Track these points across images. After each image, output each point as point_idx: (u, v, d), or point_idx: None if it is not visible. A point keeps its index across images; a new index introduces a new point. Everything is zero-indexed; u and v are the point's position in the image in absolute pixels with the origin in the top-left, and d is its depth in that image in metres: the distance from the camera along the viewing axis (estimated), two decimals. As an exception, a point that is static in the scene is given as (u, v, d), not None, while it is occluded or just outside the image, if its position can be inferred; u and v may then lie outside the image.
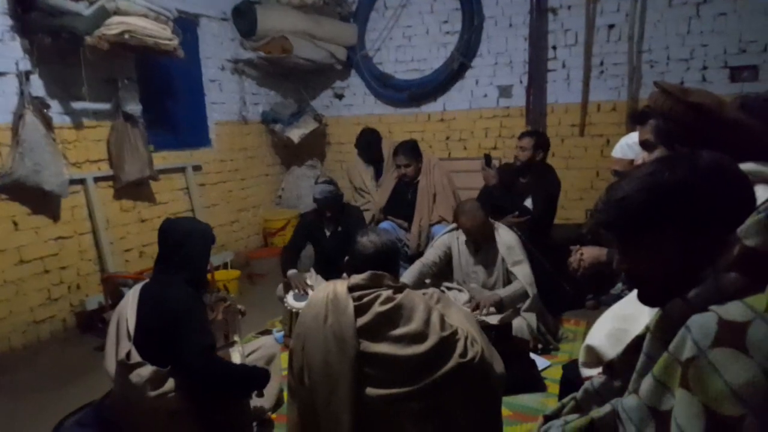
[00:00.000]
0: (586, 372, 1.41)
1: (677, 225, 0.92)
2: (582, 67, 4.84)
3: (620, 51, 4.71)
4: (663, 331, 0.91)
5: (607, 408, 0.99)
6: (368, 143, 4.69)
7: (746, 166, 1.27)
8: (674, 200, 0.92)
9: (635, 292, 1.45)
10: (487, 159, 3.95)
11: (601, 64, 4.81)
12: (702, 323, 0.80)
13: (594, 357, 1.41)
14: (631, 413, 0.90)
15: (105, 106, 3.85)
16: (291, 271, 3.36)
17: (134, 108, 3.89)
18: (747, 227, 0.84)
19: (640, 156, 1.78)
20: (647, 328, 0.96)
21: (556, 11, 4.89)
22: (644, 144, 1.58)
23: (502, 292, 2.99)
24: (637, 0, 4.55)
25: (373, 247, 1.84)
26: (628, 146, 1.97)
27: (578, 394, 1.13)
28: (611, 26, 4.73)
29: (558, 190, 3.87)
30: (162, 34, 3.67)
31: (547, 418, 1.13)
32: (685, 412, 0.78)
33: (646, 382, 0.89)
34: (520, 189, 3.85)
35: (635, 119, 1.56)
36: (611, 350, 1.29)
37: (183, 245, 2.06)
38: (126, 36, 3.44)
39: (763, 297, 0.78)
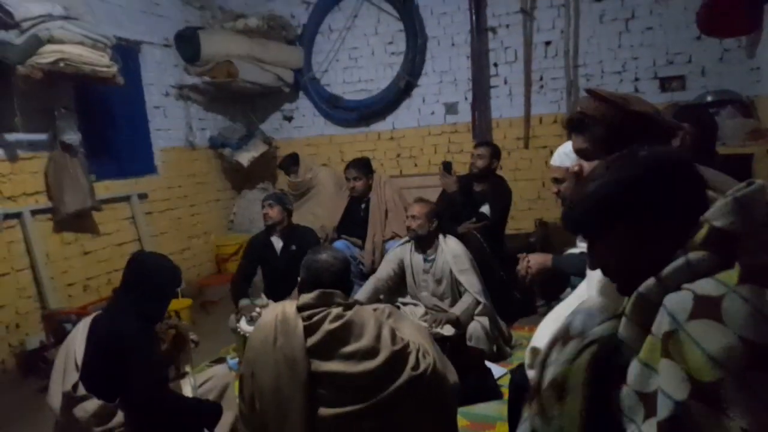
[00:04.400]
0: (532, 374, 1.43)
1: (630, 219, 0.97)
2: (523, 82, 5.01)
3: (557, 66, 4.91)
4: (638, 312, 0.93)
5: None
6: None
7: None
8: (629, 195, 0.97)
9: (576, 293, 1.49)
10: (447, 166, 4.02)
11: (541, 78, 5.00)
12: (678, 300, 0.85)
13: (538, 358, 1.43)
14: (621, 403, 0.93)
15: (41, 136, 3.70)
16: (242, 302, 3.29)
17: (72, 137, 3.76)
18: (715, 210, 0.89)
19: (575, 163, 1.85)
20: (622, 312, 0.98)
21: (495, 30, 5.06)
22: (579, 152, 1.63)
23: (457, 309, 3.03)
24: (570, 17, 4.77)
25: (323, 265, 1.84)
26: (565, 155, 2.04)
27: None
28: (548, 43, 4.93)
29: (511, 198, 4.03)
30: (100, 61, 3.59)
31: None
32: (671, 380, 0.81)
33: (633, 369, 0.92)
34: (476, 196, 3.94)
35: (570, 127, 1.60)
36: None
37: (150, 280, 2.04)
38: (61, 64, 3.34)
39: (733, 273, 0.83)
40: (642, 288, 0.93)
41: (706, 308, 0.81)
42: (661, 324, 0.85)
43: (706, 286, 0.83)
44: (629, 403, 0.91)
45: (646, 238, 0.96)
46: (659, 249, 0.93)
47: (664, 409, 0.81)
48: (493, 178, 3.98)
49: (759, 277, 0.81)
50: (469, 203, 3.89)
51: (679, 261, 0.89)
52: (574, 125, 1.56)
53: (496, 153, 3.98)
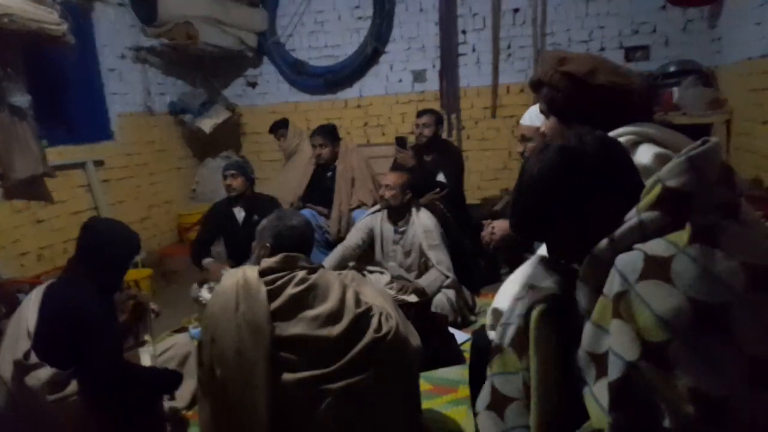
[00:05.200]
0: (493, 334, 1.44)
1: (565, 205, 0.99)
2: (491, 50, 4.97)
3: (525, 34, 4.88)
4: (591, 273, 0.94)
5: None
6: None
7: (628, 129, 1.33)
8: (548, 186, 1.00)
9: (537, 255, 1.50)
10: (401, 141, 3.98)
11: (509, 47, 4.97)
12: (628, 260, 0.85)
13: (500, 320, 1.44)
14: (577, 364, 0.93)
15: (-14, 98, 3.49)
16: (207, 260, 3.23)
17: (21, 100, 3.54)
18: (668, 170, 0.89)
19: (543, 123, 1.84)
20: (577, 274, 0.99)
21: (463, -5, 4.98)
22: (542, 112, 1.62)
23: (423, 281, 3.04)
24: (538, -16, 4.73)
25: (287, 228, 1.80)
26: (536, 115, 2.04)
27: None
28: (516, 10, 4.88)
29: (462, 160, 4.05)
30: (47, 18, 3.37)
31: None
32: (622, 340, 0.82)
33: (587, 331, 0.92)
34: (428, 166, 3.92)
35: (532, 88, 1.59)
36: (516, 311, 1.33)
37: (103, 249, 1.96)
38: (5, 20, 3.13)
39: (684, 233, 0.83)
40: (595, 249, 0.93)
41: (655, 269, 0.81)
42: (612, 285, 0.86)
43: (656, 246, 0.84)
44: (582, 364, 0.92)
45: (588, 218, 0.97)
46: (605, 224, 0.93)
47: (615, 370, 0.81)
48: (440, 145, 4.00)
49: (708, 237, 0.81)
50: (425, 174, 3.86)
51: (632, 221, 0.89)
52: (532, 87, 1.55)
53: (440, 119, 4.01)
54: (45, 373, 1.77)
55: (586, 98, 1.36)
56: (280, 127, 4.88)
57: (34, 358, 1.80)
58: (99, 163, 4.42)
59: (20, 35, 3.36)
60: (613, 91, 1.34)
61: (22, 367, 1.78)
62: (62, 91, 4.19)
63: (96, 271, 1.94)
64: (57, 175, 3.91)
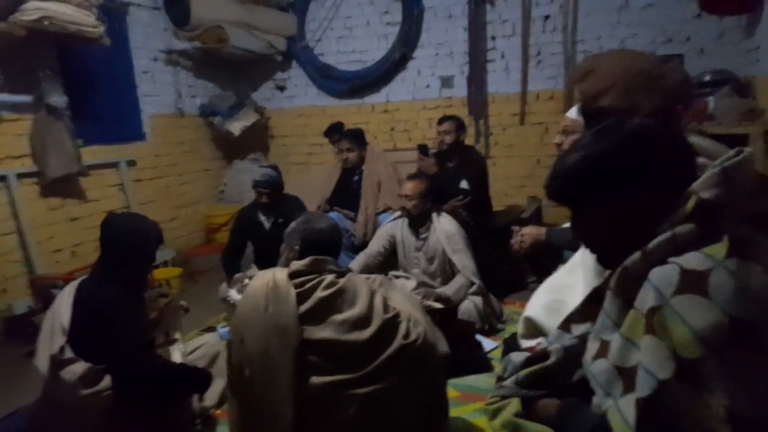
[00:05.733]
0: (525, 343, 1.43)
1: (615, 189, 0.95)
2: (520, 57, 4.94)
3: (555, 41, 4.83)
4: (623, 286, 0.92)
5: (555, 357, 1.01)
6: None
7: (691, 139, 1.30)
8: (606, 166, 0.95)
9: (569, 264, 1.48)
10: (423, 149, 3.95)
11: (538, 54, 4.93)
12: (663, 274, 0.82)
13: (532, 328, 1.42)
14: (599, 377, 0.92)
15: (25, 98, 3.60)
16: (237, 276, 3.28)
17: (58, 100, 3.66)
18: (702, 181, 0.87)
19: None
20: (605, 283, 0.97)
21: (493, 2, 4.96)
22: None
23: (448, 290, 3.01)
24: (570, -9, 4.68)
25: (315, 231, 1.81)
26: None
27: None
28: (546, 17, 4.84)
29: (485, 165, 3.99)
30: (85, 20, 3.47)
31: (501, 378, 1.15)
32: (655, 357, 0.79)
33: (615, 343, 0.90)
34: (450, 172, 3.88)
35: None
36: (548, 320, 1.31)
37: (123, 243, 1.98)
38: (45, 22, 3.23)
39: (720, 246, 0.80)
40: (627, 262, 0.91)
41: (692, 283, 0.78)
42: (645, 299, 0.83)
43: (692, 260, 0.81)
44: (608, 377, 0.90)
45: (630, 211, 0.93)
46: (643, 222, 0.91)
47: (645, 387, 0.79)
48: (462, 151, 3.93)
49: (746, 250, 0.79)
50: (447, 181, 3.82)
51: (665, 234, 0.87)
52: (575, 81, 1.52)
53: (461, 126, 3.90)
54: (80, 367, 1.81)
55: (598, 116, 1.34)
56: (335, 131, 4.80)
57: (69, 353, 1.84)
58: (131, 163, 4.52)
59: (58, 37, 3.46)
60: (617, 113, 1.31)
61: (58, 362, 1.82)
62: (97, 92, 4.30)
63: (121, 266, 1.96)
64: (91, 174, 4.02)
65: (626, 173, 0.94)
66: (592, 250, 1.04)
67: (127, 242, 1.99)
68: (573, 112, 2.04)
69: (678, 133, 0.99)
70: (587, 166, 0.97)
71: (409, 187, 3.10)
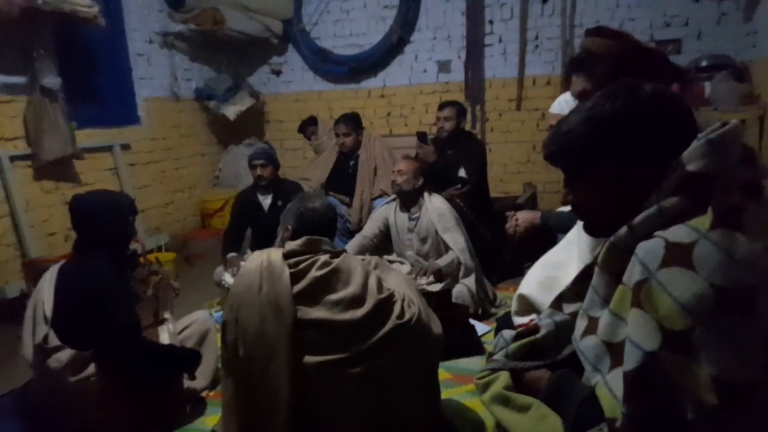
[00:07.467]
0: (518, 320, 1.43)
1: (619, 154, 0.93)
2: (518, 41, 4.90)
3: (554, 25, 4.80)
4: (611, 261, 0.92)
5: (545, 330, 1.01)
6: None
7: None
8: (615, 129, 0.93)
9: (564, 242, 1.48)
10: (422, 136, 3.90)
11: (536, 38, 4.90)
12: (649, 248, 0.82)
13: (526, 305, 1.43)
14: (588, 352, 0.92)
15: (19, 79, 3.56)
16: (230, 255, 3.29)
17: (52, 81, 3.62)
18: (689, 152, 0.86)
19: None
20: (594, 260, 0.96)
21: (491, -16, 4.91)
22: (580, 96, 1.59)
23: (441, 261, 3.02)
24: (568, -26, 4.64)
25: (310, 212, 1.81)
26: (565, 102, 2.01)
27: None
28: (545, 1, 4.80)
29: (485, 153, 3.94)
30: (80, 0, 3.43)
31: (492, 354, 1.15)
32: (641, 329, 0.80)
33: (604, 319, 0.91)
34: (450, 160, 3.82)
35: (573, 67, 1.56)
36: (542, 297, 1.31)
37: (95, 220, 1.93)
38: (39, 1, 3.19)
39: (705, 219, 0.81)
40: (614, 237, 0.91)
41: (677, 255, 0.79)
42: (632, 273, 0.84)
43: (678, 232, 0.81)
44: (596, 352, 0.90)
45: (628, 179, 0.92)
46: (638, 192, 0.90)
47: (632, 359, 0.80)
48: (463, 138, 3.84)
49: (731, 220, 0.79)
50: (446, 169, 3.77)
51: (652, 208, 0.87)
52: (576, 65, 1.52)
53: (462, 111, 3.80)
54: (65, 355, 1.79)
55: (652, 76, 1.33)
56: (309, 125, 4.83)
57: (53, 341, 1.82)
58: (126, 147, 4.48)
59: (53, 16, 3.41)
60: (679, 73, 1.32)
61: (42, 351, 1.81)
62: (91, 74, 4.25)
63: (97, 244, 1.92)
64: (85, 157, 3.99)
65: (633, 138, 0.92)
66: (581, 217, 1.03)
67: (98, 218, 1.94)
68: (556, 107, 2.04)
69: (683, 100, 0.97)
70: (594, 126, 0.95)
71: (402, 164, 3.15)
